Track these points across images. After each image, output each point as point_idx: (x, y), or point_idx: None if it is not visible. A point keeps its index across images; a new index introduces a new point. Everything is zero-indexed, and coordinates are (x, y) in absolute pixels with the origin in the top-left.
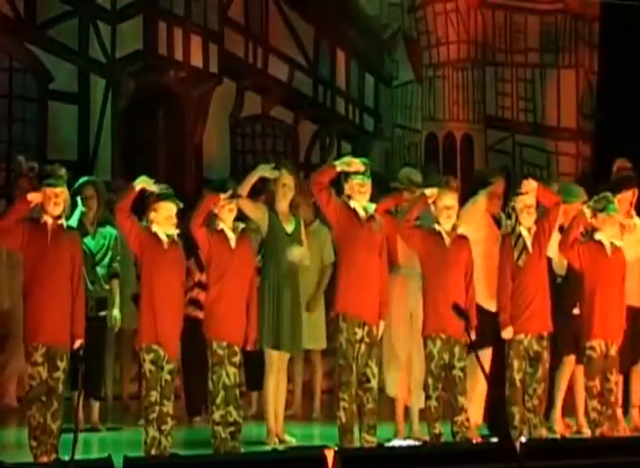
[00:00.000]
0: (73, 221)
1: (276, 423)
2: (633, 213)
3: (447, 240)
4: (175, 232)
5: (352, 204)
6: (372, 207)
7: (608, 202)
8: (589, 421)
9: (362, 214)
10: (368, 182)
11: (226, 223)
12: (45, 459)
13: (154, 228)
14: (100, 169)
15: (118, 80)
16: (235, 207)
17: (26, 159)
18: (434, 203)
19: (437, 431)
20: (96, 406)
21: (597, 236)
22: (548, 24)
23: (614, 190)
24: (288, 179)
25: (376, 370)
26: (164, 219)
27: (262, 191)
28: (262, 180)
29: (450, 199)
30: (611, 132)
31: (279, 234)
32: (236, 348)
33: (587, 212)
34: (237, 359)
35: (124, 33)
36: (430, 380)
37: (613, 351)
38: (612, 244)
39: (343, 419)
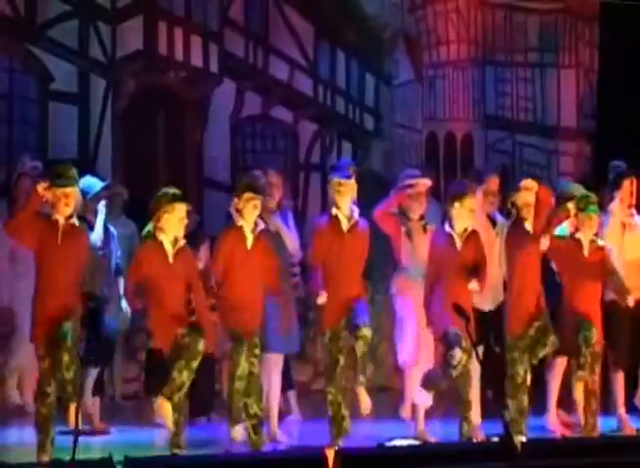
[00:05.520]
0: (99, 228)
1: (271, 423)
2: (634, 211)
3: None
4: (182, 238)
5: (334, 211)
6: (356, 212)
7: (589, 202)
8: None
9: (345, 224)
10: (347, 181)
11: (247, 220)
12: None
13: (161, 236)
14: (100, 169)
15: (118, 80)
16: (260, 203)
17: (31, 158)
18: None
19: None
20: (96, 405)
21: (577, 235)
22: (548, 24)
23: (613, 188)
24: (274, 179)
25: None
26: (177, 221)
27: None
28: None
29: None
30: (611, 131)
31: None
32: (256, 340)
33: (571, 209)
34: (258, 351)
35: (124, 33)
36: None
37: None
38: (591, 243)
39: (331, 412)
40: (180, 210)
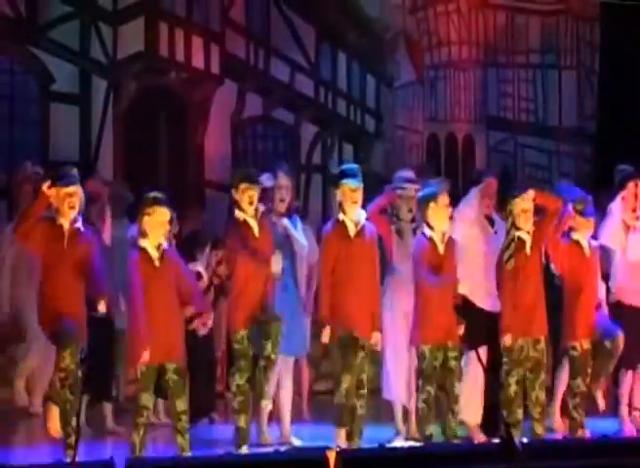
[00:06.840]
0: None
1: (283, 425)
2: (639, 214)
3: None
4: (164, 242)
5: (341, 217)
6: (363, 216)
7: (587, 205)
8: (571, 421)
9: (352, 229)
10: (360, 188)
11: (247, 212)
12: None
13: (143, 243)
14: (101, 170)
15: (119, 81)
16: (255, 195)
17: (32, 164)
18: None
19: (428, 433)
20: (108, 408)
21: (575, 236)
22: (550, 25)
23: (618, 190)
24: (284, 181)
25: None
26: (157, 224)
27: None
28: None
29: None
30: (612, 132)
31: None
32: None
33: (572, 212)
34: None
35: (125, 34)
36: (420, 381)
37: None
38: (589, 244)
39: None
40: (161, 213)
